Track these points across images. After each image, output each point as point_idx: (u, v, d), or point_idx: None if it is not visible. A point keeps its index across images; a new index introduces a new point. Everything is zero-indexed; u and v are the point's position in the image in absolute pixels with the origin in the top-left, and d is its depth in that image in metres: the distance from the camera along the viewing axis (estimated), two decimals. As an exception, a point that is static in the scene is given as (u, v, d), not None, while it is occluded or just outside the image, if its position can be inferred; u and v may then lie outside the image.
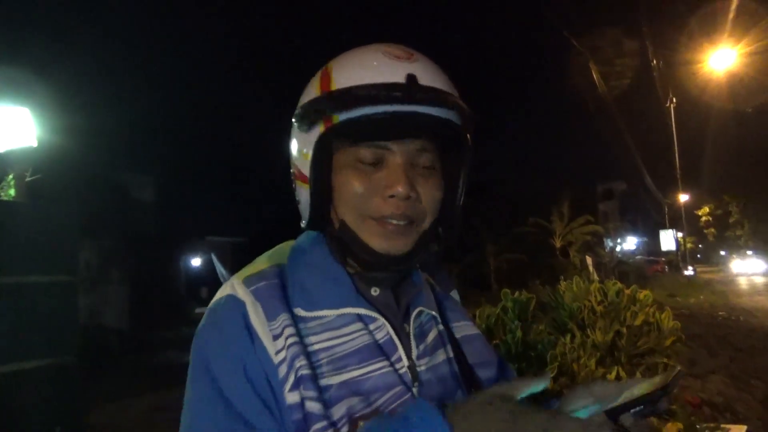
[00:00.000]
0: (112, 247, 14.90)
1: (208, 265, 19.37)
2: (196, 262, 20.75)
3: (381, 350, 0.80)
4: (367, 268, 0.83)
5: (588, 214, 31.05)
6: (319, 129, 0.78)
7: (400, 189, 0.76)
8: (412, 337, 0.84)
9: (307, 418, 0.70)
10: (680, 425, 2.09)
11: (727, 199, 46.76)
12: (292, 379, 0.72)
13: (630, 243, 47.33)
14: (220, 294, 0.82)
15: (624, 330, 2.68)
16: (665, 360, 2.73)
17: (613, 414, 0.64)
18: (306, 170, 0.80)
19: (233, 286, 0.81)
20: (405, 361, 0.80)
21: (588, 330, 2.63)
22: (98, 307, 14.37)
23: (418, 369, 0.81)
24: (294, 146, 0.84)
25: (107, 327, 14.12)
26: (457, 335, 0.95)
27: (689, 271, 28.36)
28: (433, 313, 0.91)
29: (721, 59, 17.81)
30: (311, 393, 0.72)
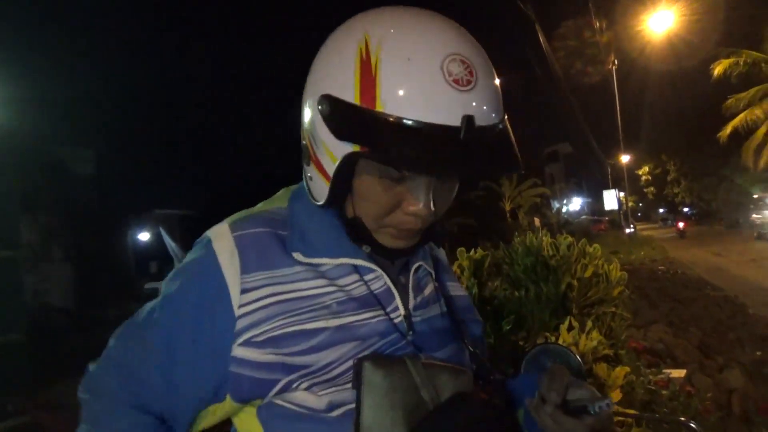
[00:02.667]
0: (54, 223, 14.36)
1: (158, 239, 18.94)
2: (144, 236, 20.22)
3: (377, 300, 0.81)
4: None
5: (535, 177, 31.75)
6: (353, 146, 0.71)
7: (423, 209, 0.75)
8: (410, 288, 0.85)
9: (256, 374, 0.73)
10: (628, 369, 2.23)
11: (665, 158, 48.58)
12: (250, 335, 0.73)
13: (575, 204, 48.82)
14: (205, 234, 0.83)
15: (575, 282, 2.81)
16: (613, 309, 2.88)
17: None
18: (326, 165, 0.75)
19: (217, 232, 0.82)
20: (401, 311, 0.82)
21: (541, 284, 2.75)
22: (42, 285, 13.89)
23: (414, 319, 0.83)
24: (314, 130, 0.76)
25: (52, 305, 13.69)
26: (452, 293, 0.98)
27: (630, 229, 29.48)
28: (430, 269, 0.92)
29: (660, 22, 18.31)
30: (285, 350, 0.73)
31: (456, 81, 0.67)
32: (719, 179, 35.48)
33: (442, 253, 1.05)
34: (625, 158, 33.16)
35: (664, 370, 3.38)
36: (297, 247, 0.80)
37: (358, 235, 0.80)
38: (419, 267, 0.89)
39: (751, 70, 23.62)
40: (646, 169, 58.01)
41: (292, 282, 0.77)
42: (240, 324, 0.74)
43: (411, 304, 0.84)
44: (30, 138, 13.25)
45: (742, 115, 24.38)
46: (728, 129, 24.98)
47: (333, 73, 0.73)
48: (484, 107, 0.70)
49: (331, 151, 0.73)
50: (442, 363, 0.81)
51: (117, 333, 0.85)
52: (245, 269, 0.76)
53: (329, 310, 0.77)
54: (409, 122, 0.67)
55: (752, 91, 24.22)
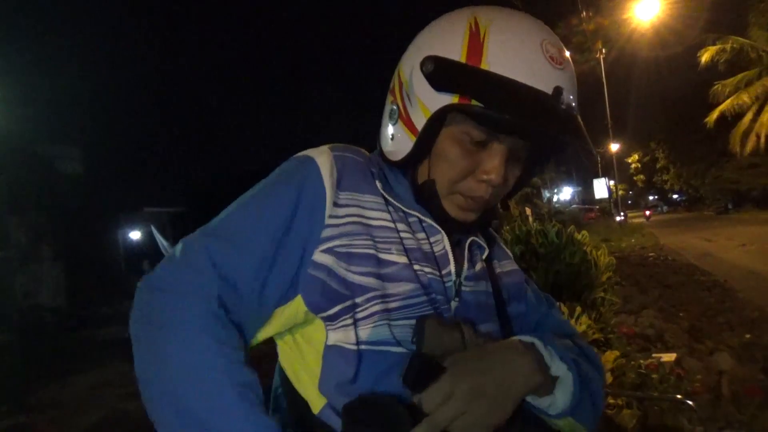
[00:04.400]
0: (43, 223, 14.24)
1: (149, 237, 18.85)
2: (135, 234, 20.13)
3: (435, 260, 0.86)
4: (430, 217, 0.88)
5: (525, 167, 31.70)
6: (451, 98, 0.78)
7: (495, 178, 0.81)
8: (465, 259, 0.90)
9: (330, 282, 0.77)
10: (617, 353, 2.25)
11: (654, 145, 48.81)
12: (333, 244, 0.78)
13: (566, 193, 48.97)
14: (303, 152, 0.87)
15: (564, 269, 2.83)
16: (602, 294, 2.91)
17: None
18: (416, 120, 0.83)
19: (318, 150, 0.87)
20: (453, 277, 0.87)
21: (531, 272, 2.77)
22: (32, 285, 13.80)
23: (463, 288, 0.88)
24: (411, 89, 0.84)
25: (43, 305, 13.61)
26: (500, 270, 1.01)
27: (620, 217, 29.65)
28: (484, 245, 0.96)
29: (647, 9, 18.38)
30: (358, 268, 0.79)
31: (551, 58, 0.78)
32: (707, 165, 35.69)
33: (493, 232, 1.07)
34: (614, 147, 33.29)
35: (654, 354, 3.41)
36: (382, 185, 0.86)
37: (427, 199, 0.86)
38: (473, 242, 0.93)
39: (737, 56, 23.78)
40: (635, 157, 58.35)
41: (376, 210, 0.84)
42: (326, 233, 0.79)
43: (463, 273, 0.89)
44: (17, 137, 13.14)
45: (729, 101, 24.57)
46: (715, 114, 25.17)
47: (440, 41, 0.82)
48: (570, 89, 0.80)
49: (427, 106, 0.81)
50: (487, 334, 0.86)
51: (201, 231, 0.84)
52: (340, 186, 0.83)
53: (401, 247, 0.83)
54: (511, 79, 0.76)
55: (738, 76, 24.39)
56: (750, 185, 31.82)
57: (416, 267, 0.83)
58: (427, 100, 0.81)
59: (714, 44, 23.63)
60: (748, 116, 24.74)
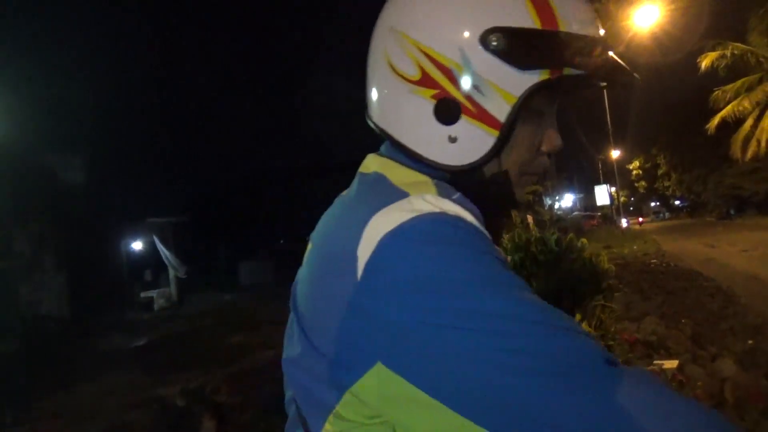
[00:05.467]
0: (47, 233, 14.25)
1: (151, 247, 18.86)
2: (137, 245, 20.15)
3: None
4: (491, 215, 0.72)
5: (527, 174, 31.78)
6: (541, 74, 0.67)
7: (560, 144, 0.76)
8: None
9: None
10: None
11: (655, 152, 48.81)
12: None
13: (567, 200, 48.96)
14: (413, 213, 0.60)
15: (564, 276, 2.85)
16: (602, 301, 2.92)
17: None
18: (497, 111, 0.69)
19: (429, 202, 0.62)
20: None
21: (531, 279, 2.78)
22: (36, 295, 13.80)
23: None
24: (474, 75, 0.68)
25: (47, 315, 13.61)
26: None
27: (624, 223, 29.60)
28: None
29: (646, 16, 18.41)
30: None
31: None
32: (709, 171, 35.68)
33: None
34: (615, 153, 33.36)
35: (656, 362, 3.42)
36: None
37: (500, 192, 0.74)
38: None
39: (737, 62, 23.82)
40: (636, 163, 58.30)
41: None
42: None
43: None
44: (21, 147, 13.19)
45: (729, 107, 24.58)
46: (716, 120, 25.17)
47: (490, 6, 0.68)
48: None
49: (507, 90, 0.68)
50: None
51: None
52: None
53: None
54: (590, 36, 0.68)
55: (738, 82, 24.43)
56: (752, 190, 31.79)
57: None
58: (507, 84, 0.67)
59: (714, 50, 23.69)
60: (749, 122, 24.75)
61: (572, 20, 0.67)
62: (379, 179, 0.71)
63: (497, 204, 0.76)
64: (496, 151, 0.70)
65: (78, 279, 14.54)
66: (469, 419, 0.55)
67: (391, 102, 0.74)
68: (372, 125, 0.79)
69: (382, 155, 0.78)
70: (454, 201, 0.63)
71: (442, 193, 0.64)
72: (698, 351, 4.81)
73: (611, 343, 2.74)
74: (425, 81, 0.69)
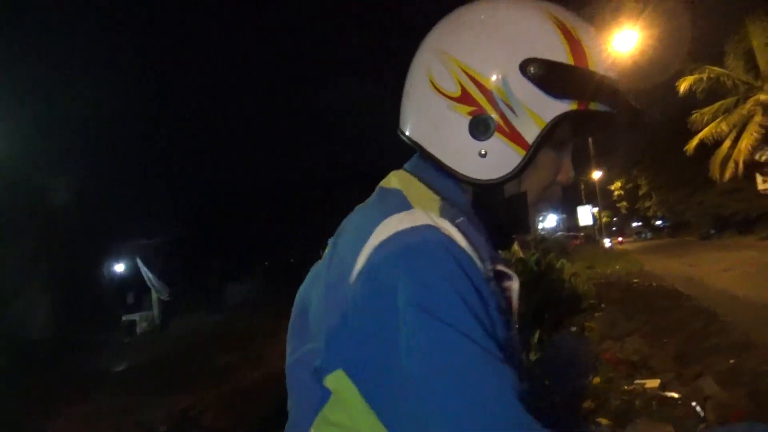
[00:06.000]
0: (29, 255, 14.09)
1: (134, 269, 18.65)
2: (120, 267, 19.90)
3: (511, 310, 0.76)
4: (503, 232, 0.83)
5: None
6: (570, 105, 0.76)
7: (573, 176, 0.84)
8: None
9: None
10: (598, 379, 2.29)
11: (636, 173, 49.42)
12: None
13: (551, 220, 49.28)
14: (411, 223, 0.67)
15: (545, 297, 2.88)
16: (583, 321, 2.95)
17: None
18: (527, 133, 0.76)
19: (429, 218, 0.68)
20: (516, 324, 0.79)
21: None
22: (23, 315, 13.60)
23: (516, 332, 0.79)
24: (511, 97, 0.75)
25: (28, 338, 13.41)
26: None
27: (607, 243, 29.82)
28: None
29: (625, 41, 18.82)
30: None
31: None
32: (689, 191, 36.19)
33: None
34: (597, 174, 33.77)
35: (637, 381, 3.45)
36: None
37: (516, 213, 0.81)
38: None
39: (714, 85, 24.39)
40: (617, 184, 58.93)
41: None
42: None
43: (516, 315, 0.79)
44: (8, 166, 13.07)
45: (707, 129, 25.10)
46: (695, 142, 25.68)
47: (531, 40, 0.76)
48: None
49: (538, 114, 0.75)
50: None
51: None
52: (482, 256, 0.71)
53: (504, 319, 0.70)
54: (614, 79, 0.77)
55: (716, 105, 24.99)
56: (732, 210, 32.27)
57: (512, 332, 0.74)
58: (539, 109, 0.75)
59: (692, 74, 24.25)
60: (727, 143, 25.25)
61: (600, 62, 0.77)
62: (396, 193, 0.76)
63: (511, 225, 0.83)
64: (520, 170, 0.77)
65: (61, 302, 14.36)
66: None
67: (428, 115, 0.80)
68: (404, 138, 0.85)
69: (405, 171, 0.84)
70: (456, 224, 0.68)
71: (445, 215, 0.69)
72: (681, 370, 4.85)
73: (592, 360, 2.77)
74: (464, 98, 0.76)
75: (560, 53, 0.75)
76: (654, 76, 24.30)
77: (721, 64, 24.56)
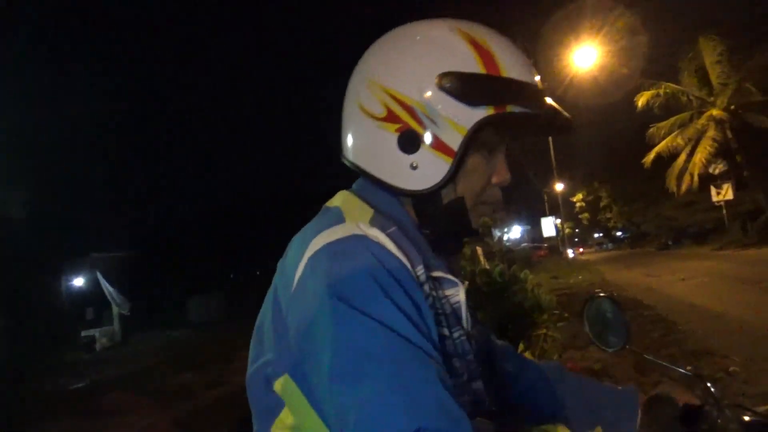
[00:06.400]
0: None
1: (94, 283, 18.12)
2: (79, 281, 19.31)
3: (456, 315, 0.82)
4: (446, 239, 0.88)
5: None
6: (487, 110, 0.79)
7: (509, 178, 0.88)
8: (468, 306, 0.85)
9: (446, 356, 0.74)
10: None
11: (597, 185, 50.55)
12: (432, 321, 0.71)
13: (516, 232, 49.95)
14: (341, 234, 0.73)
15: (509, 307, 2.93)
16: (544, 331, 3.01)
17: None
18: (451, 142, 0.80)
19: (359, 228, 0.74)
20: (468, 328, 0.83)
21: (477, 311, 2.84)
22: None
23: (472, 338, 0.86)
24: (431, 110, 0.80)
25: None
26: None
27: (571, 254, 30.34)
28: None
29: (585, 57, 19.37)
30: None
31: (525, 52, 0.86)
32: (648, 203, 37.15)
33: None
34: (559, 186, 34.47)
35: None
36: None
37: (457, 218, 0.85)
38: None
39: (670, 100, 25.24)
40: (579, 196, 60.09)
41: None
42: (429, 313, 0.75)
43: (469, 322, 0.84)
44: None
45: (664, 142, 25.92)
46: (652, 155, 26.45)
47: (444, 55, 0.81)
48: None
49: (459, 123, 0.79)
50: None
51: None
52: (413, 263, 0.76)
53: (445, 322, 0.79)
54: (531, 83, 0.82)
55: (672, 120, 25.84)
56: (688, 222, 33.24)
57: (456, 334, 0.80)
58: (458, 118, 0.79)
59: (649, 89, 25.05)
60: (682, 157, 26.08)
61: (512, 68, 0.81)
62: (334, 210, 0.82)
63: (455, 229, 0.87)
64: (451, 176, 0.81)
65: (15, 319, 13.85)
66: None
67: (360, 138, 0.87)
68: (346, 162, 0.91)
69: (349, 190, 0.90)
70: (387, 233, 0.74)
71: (375, 224, 0.76)
72: (641, 378, 4.96)
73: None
74: (390, 117, 0.82)
75: (472, 64, 0.80)
76: (612, 91, 25.03)
77: (676, 81, 25.44)
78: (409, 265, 0.72)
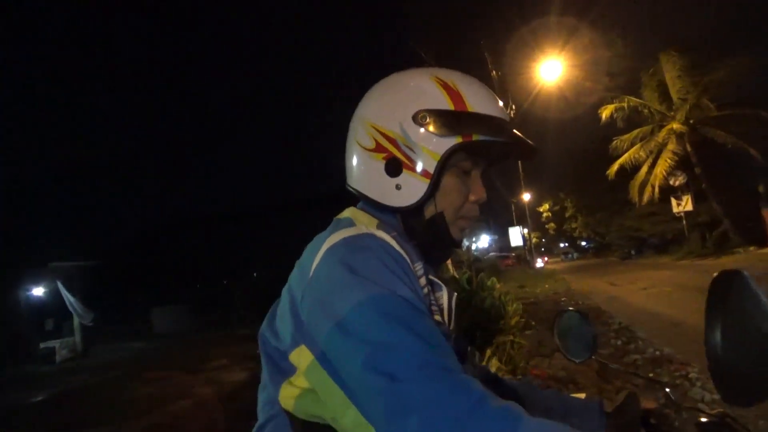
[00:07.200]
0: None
1: (54, 293, 17.59)
2: (38, 291, 18.74)
3: (443, 318, 0.98)
4: (432, 250, 1.03)
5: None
6: (456, 139, 0.96)
7: (484, 196, 1.04)
8: (453, 311, 1.04)
9: None
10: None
11: (563, 195, 51.42)
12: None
13: (484, 241, 50.41)
14: (354, 232, 0.89)
15: (476, 315, 2.97)
16: (511, 338, 3.06)
17: None
18: (427, 166, 0.97)
19: (368, 229, 0.92)
20: (450, 329, 1.00)
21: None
22: None
23: (450, 339, 0.99)
24: (410, 141, 0.98)
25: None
26: None
27: (539, 263, 30.65)
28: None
29: (550, 71, 19.73)
30: None
31: (493, 90, 1.03)
32: (611, 214, 37.90)
33: None
34: (526, 197, 34.97)
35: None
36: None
37: (438, 230, 1.01)
38: (454, 293, 1.07)
39: (633, 113, 25.91)
40: (546, 206, 61.04)
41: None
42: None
43: (452, 325, 1.02)
44: None
45: (627, 155, 26.55)
46: (615, 167, 27.06)
47: (419, 98, 0.99)
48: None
49: (433, 150, 0.96)
50: None
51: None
52: (413, 260, 0.92)
53: (437, 309, 0.96)
54: (494, 116, 0.99)
55: (634, 132, 26.50)
56: (650, 232, 34.05)
57: (442, 329, 0.91)
58: (432, 146, 0.96)
59: (612, 102, 25.68)
60: (644, 168, 26.72)
61: (477, 104, 0.98)
62: (344, 220, 1.00)
63: (437, 239, 1.02)
64: (430, 194, 0.98)
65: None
66: (349, 398, 0.81)
67: (358, 167, 1.04)
68: (350, 188, 1.08)
69: (356, 207, 1.07)
70: (391, 235, 0.90)
71: (382, 228, 0.93)
72: (604, 385, 5.07)
73: (520, 378, 2.86)
74: (378, 148, 1.00)
75: (442, 102, 0.98)
76: (577, 104, 25.58)
77: (638, 95, 26.12)
78: (409, 261, 0.88)
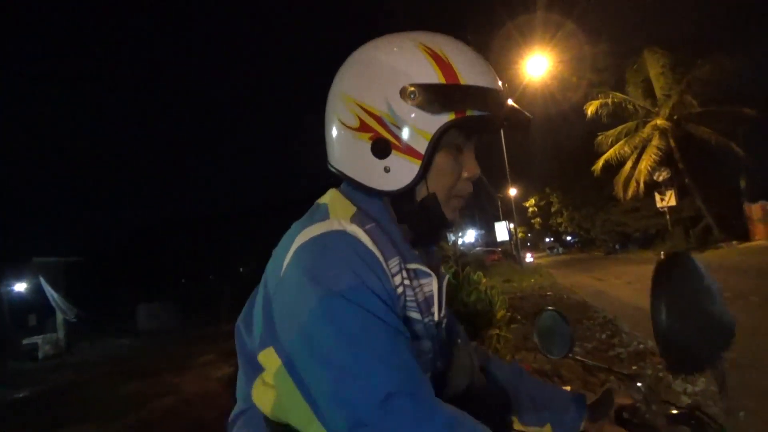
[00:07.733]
0: None
1: (37, 289, 17.38)
2: (21, 287, 18.50)
3: (427, 303, 0.95)
4: (425, 233, 0.99)
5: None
6: (448, 116, 0.88)
7: (478, 172, 0.97)
8: (443, 295, 1.00)
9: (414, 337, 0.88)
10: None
11: (548, 190, 51.69)
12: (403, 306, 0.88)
13: (470, 236, 50.47)
14: (324, 229, 0.84)
15: (462, 309, 2.98)
16: (497, 331, 3.07)
17: None
18: (418, 146, 0.90)
19: (340, 224, 0.85)
20: (436, 316, 0.96)
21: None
22: None
23: (441, 325, 0.99)
24: (398, 120, 0.89)
25: None
26: None
27: (529, 259, 30.71)
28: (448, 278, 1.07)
29: (536, 66, 19.82)
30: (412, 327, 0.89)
31: (486, 60, 0.94)
32: (596, 209, 38.17)
33: None
34: (512, 192, 35.05)
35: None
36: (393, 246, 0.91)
37: (431, 211, 0.94)
38: (445, 276, 1.05)
39: (617, 109, 26.10)
40: (532, 201, 61.28)
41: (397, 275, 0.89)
42: (400, 300, 0.89)
43: (442, 311, 0.98)
44: None
45: (611, 150, 26.75)
46: (600, 162, 27.26)
47: (406, 69, 0.90)
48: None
49: (424, 129, 0.89)
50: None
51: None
52: (386, 256, 0.88)
53: (417, 308, 0.92)
54: (489, 87, 0.90)
55: (619, 128, 26.71)
56: (634, 227, 34.36)
57: (427, 320, 0.93)
58: (423, 125, 0.88)
59: (597, 98, 25.85)
60: (629, 164, 26.95)
61: (470, 76, 0.89)
62: (322, 207, 0.94)
63: (430, 221, 0.96)
64: (421, 177, 0.91)
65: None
66: (314, 414, 0.80)
67: (340, 147, 0.96)
68: (332, 168, 1.00)
69: (338, 189, 1.00)
70: (365, 229, 0.85)
71: (355, 220, 0.87)
72: (588, 377, 5.11)
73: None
74: (363, 127, 0.91)
75: (432, 75, 0.88)
76: (563, 100, 25.72)
77: (623, 91, 26.32)
78: (381, 258, 0.84)
